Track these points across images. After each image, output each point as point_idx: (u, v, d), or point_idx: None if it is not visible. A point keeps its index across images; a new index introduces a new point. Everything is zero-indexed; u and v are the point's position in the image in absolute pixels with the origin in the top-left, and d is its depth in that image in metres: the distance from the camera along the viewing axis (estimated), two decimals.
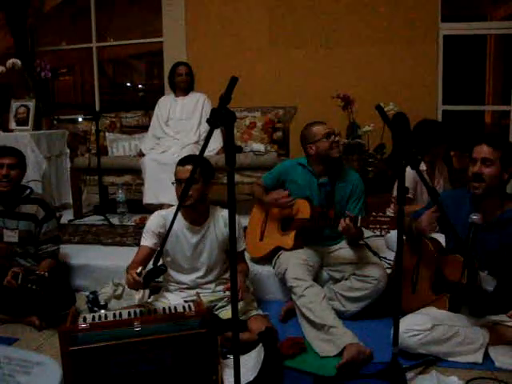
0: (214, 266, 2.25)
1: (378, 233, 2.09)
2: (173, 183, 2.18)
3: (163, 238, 1.75)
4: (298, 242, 2.50)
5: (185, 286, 2.24)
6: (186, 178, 1.99)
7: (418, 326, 1.96)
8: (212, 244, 2.22)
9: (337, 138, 2.43)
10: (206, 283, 2.25)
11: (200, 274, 2.23)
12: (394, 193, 3.02)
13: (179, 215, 2.20)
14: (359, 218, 2.13)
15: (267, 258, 2.67)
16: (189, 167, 2.10)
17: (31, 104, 4.06)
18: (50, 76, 4.51)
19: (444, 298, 2.06)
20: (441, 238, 2.26)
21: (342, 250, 2.50)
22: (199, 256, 2.22)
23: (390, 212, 3.20)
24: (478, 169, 1.96)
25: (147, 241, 2.14)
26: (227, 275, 2.27)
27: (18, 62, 4.17)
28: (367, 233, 2.91)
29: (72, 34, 5.83)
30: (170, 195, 3.22)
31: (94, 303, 2.52)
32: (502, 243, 1.98)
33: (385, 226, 2.02)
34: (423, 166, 2.96)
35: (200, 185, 2.11)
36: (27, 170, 2.66)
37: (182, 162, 2.15)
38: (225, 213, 2.25)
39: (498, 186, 1.99)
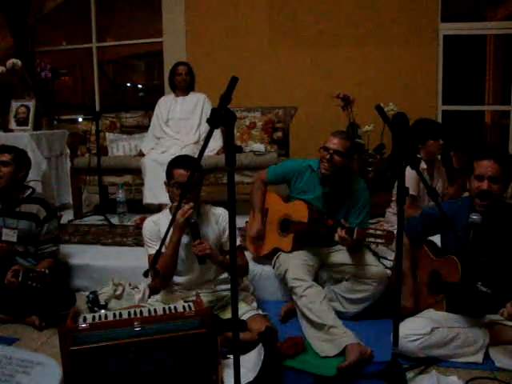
0: (209, 265, 2.20)
1: (374, 246, 2.09)
2: (165, 184, 2.17)
3: (161, 240, 1.77)
4: (297, 246, 2.49)
5: (182, 287, 2.23)
6: (184, 182, 2.02)
7: (417, 330, 1.96)
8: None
9: (327, 156, 2.35)
10: (204, 283, 2.24)
11: (195, 274, 2.22)
12: (394, 192, 3.02)
13: (170, 216, 2.18)
14: (355, 229, 2.12)
15: (267, 258, 2.67)
16: (188, 171, 2.08)
17: (31, 104, 4.06)
18: (50, 76, 4.51)
19: (442, 299, 2.06)
20: (435, 238, 2.27)
21: (342, 251, 2.48)
22: (195, 257, 2.18)
23: (389, 212, 3.20)
24: (487, 187, 1.93)
25: (152, 249, 2.11)
26: (225, 275, 2.26)
27: (18, 62, 4.17)
28: None
29: (72, 34, 5.83)
30: None
31: (94, 303, 2.52)
32: (495, 253, 1.99)
33: (379, 241, 2.01)
34: (423, 165, 2.95)
35: (198, 187, 2.12)
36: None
37: (182, 165, 2.12)
38: (216, 210, 2.26)
39: (499, 200, 1.99)
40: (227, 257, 2.16)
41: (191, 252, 2.16)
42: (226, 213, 2.22)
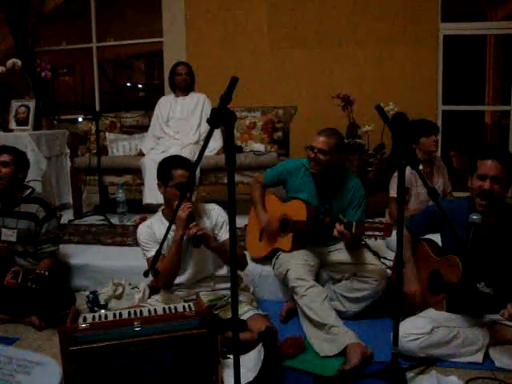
0: (205, 262, 2.21)
1: (373, 240, 2.09)
2: (160, 185, 2.17)
3: (159, 243, 1.78)
4: (297, 245, 2.49)
5: (181, 286, 2.24)
6: (184, 182, 2.05)
7: (417, 329, 1.95)
8: None
9: (312, 155, 2.38)
10: (203, 280, 2.25)
11: (191, 271, 2.22)
12: (391, 192, 3.00)
13: (163, 218, 2.21)
14: (353, 224, 2.12)
15: (267, 259, 2.66)
16: (186, 171, 2.10)
17: (31, 104, 4.07)
18: (50, 76, 4.51)
19: (441, 299, 2.06)
20: (435, 238, 2.27)
21: (342, 251, 2.49)
22: (190, 254, 2.20)
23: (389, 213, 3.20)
24: (489, 187, 1.92)
25: (151, 251, 2.11)
26: (223, 272, 2.27)
27: (18, 61, 4.17)
28: None
29: (72, 34, 5.83)
30: None
31: (94, 303, 2.53)
32: (495, 253, 1.99)
33: (378, 233, 2.02)
34: (420, 166, 2.95)
35: (196, 186, 2.15)
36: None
37: (181, 165, 2.12)
38: (207, 206, 2.28)
39: (499, 201, 1.99)
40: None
41: (186, 249, 2.18)
42: (217, 207, 2.28)
